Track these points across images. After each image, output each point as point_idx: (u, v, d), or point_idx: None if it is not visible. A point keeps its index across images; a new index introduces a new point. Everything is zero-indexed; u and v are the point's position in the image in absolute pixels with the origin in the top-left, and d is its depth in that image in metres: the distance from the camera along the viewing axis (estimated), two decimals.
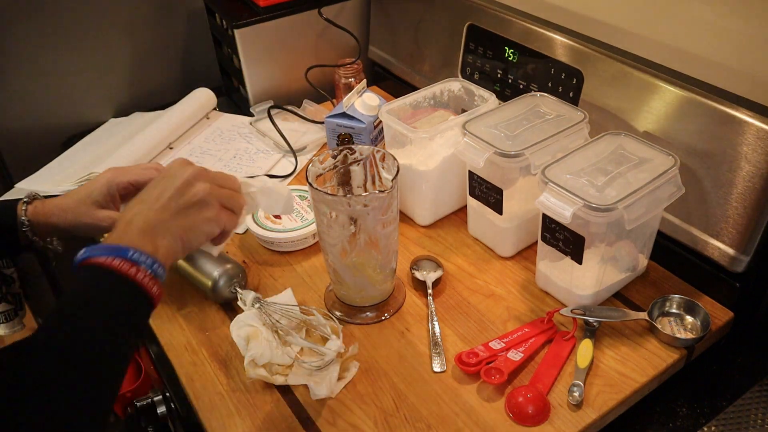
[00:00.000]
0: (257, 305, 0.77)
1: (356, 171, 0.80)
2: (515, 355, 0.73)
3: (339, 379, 0.72)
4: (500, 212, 0.84)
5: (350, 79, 1.19)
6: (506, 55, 1.00)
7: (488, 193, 0.84)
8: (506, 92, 1.02)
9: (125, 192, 0.76)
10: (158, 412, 0.80)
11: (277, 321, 0.75)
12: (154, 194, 0.60)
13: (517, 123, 0.84)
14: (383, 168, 0.78)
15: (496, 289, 0.84)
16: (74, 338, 0.50)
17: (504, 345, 0.75)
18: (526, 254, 0.90)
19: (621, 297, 0.82)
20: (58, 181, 1.05)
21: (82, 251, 0.53)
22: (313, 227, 0.89)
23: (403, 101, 0.94)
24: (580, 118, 0.83)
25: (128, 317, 0.53)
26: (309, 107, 1.25)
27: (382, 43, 1.30)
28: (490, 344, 0.75)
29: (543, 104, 0.88)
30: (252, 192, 0.69)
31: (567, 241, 0.74)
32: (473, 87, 0.95)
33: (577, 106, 0.89)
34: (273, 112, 1.20)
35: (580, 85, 0.90)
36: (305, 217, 0.92)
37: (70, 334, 0.50)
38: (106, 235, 0.58)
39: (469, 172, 0.86)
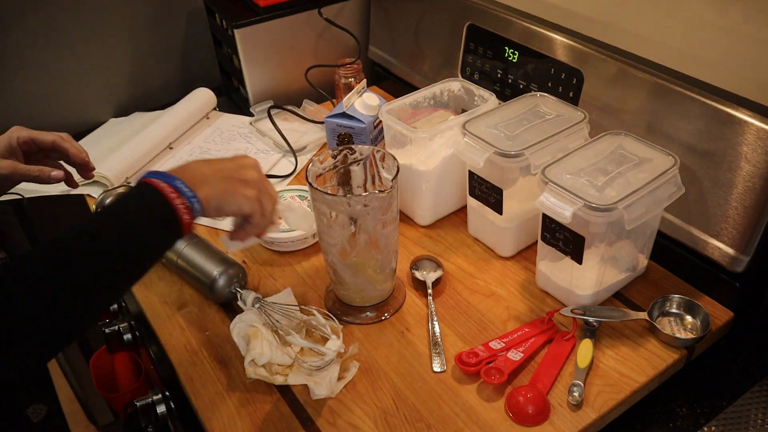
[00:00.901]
0: (257, 305, 0.77)
1: (356, 171, 0.80)
2: (515, 355, 0.73)
3: (339, 379, 0.72)
4: (500, 212, 0.84)
5: (350, 79, 1.19)
6: (506, 55, 1.00)
7: (488, 193, 0.84)
8: (506, 92, 1.02)
9: (26, 147, 0.83)
10: (158, 412, 0.79)
11: (277, 321, 0.75)
12: (217, 160, 0.69)
13: (517, 123, 0.84)
14: (383, 168, 0.78)
15: (496, 289, 0.84)
16: (102, 233, 0.57)
17: (504, 345, 0.75)
18: (526, 254, 0.90)
19: (621, 297, 0.82)
20: None
21: (145, 173, 0.62)
22: (313, 227, 0.89)
23: (403, 101, 0.94)
24: (580, 118, 0.83)
25: (157, 232, 0.60)
26: (309, 107, 1.25)
27: (382, 43, 1.30)
28: (490, 344, 0.75)
29: (543, 104, 0.88)
30: (279, 208, 0.73)
31: (567, 241, 0.74)
32: (473, 87, 0.95)
33: (577, 106, 0.89)
34: (273, 112, 1.20)
35: (580, 85, 0.90)
36: None
37: (100, 230, 0.57)
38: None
39: (469, 172, 0.86)
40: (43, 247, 0.54)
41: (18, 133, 0.83)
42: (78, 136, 1.24)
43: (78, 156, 0.86)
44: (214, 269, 0.82)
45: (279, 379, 0.71)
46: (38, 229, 1.31)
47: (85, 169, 0.88)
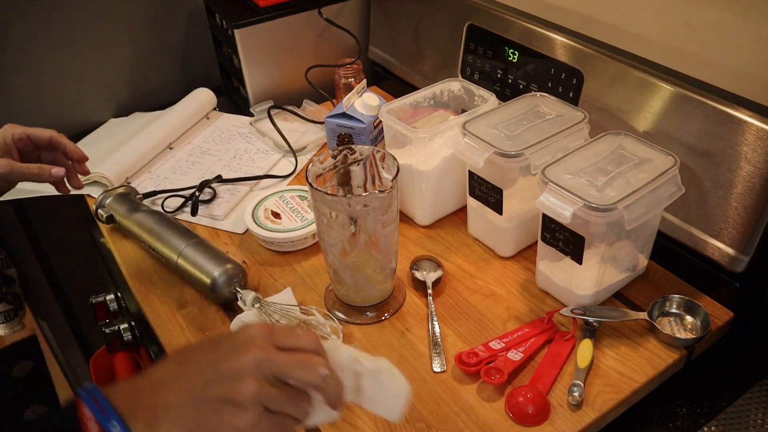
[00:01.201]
0: (257, 305, 0.77)
1: (356, 171, 0.80)
2: (515, 355, 0.73)
3: None
4: (500, 212, 0.84)
5: (350, 79, 1.19)
6: (506, 55, 1.00)
7: (488, 193, 0.84)
8: (506, 92, 1.02)
9: (21, 144, 0.81)
10: None
11: (277, 321, 0.75)
12: (195, 364, 0.48)
13: (517, 123, 0.84)
14: (383, 168, 0.78)
15: (496, 289, 0.84)
16: None
17: (504, 345, 0.75)
18: (526, 254, 0.90)
19: (621, 297, 0.82)
20: None
21: (90, 385, 0.48)
22: (313, 227, 0.89)
23: (403, 101, 0.94)
24: (580, 118, 0.83)
25: None
26: (309, 107, 1.25)
27: (382, 43, 1.30)
28: (490, 344, 0.75)
29: (543, 104, 0.88)
30: (359, 372, 0.53)
31: (567, 241, 0.74)
32: (473, 87, 0.95)
33: (577, 106, 0.89)
34: (273, 112, 1.20)
35: (580, 85, 0.90)
36: (305, 217, 0.92)
37: None
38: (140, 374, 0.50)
39: (469, 172, 0.86)
40: None
41: (12, 130, 0.80)
42: (78, 136, 1.24)
43: (76, 151, 0.85)
44: (214, 269, 0.82)
45: None
46: (38, 229, 1.31)
47: (81, 170, 0.87)
